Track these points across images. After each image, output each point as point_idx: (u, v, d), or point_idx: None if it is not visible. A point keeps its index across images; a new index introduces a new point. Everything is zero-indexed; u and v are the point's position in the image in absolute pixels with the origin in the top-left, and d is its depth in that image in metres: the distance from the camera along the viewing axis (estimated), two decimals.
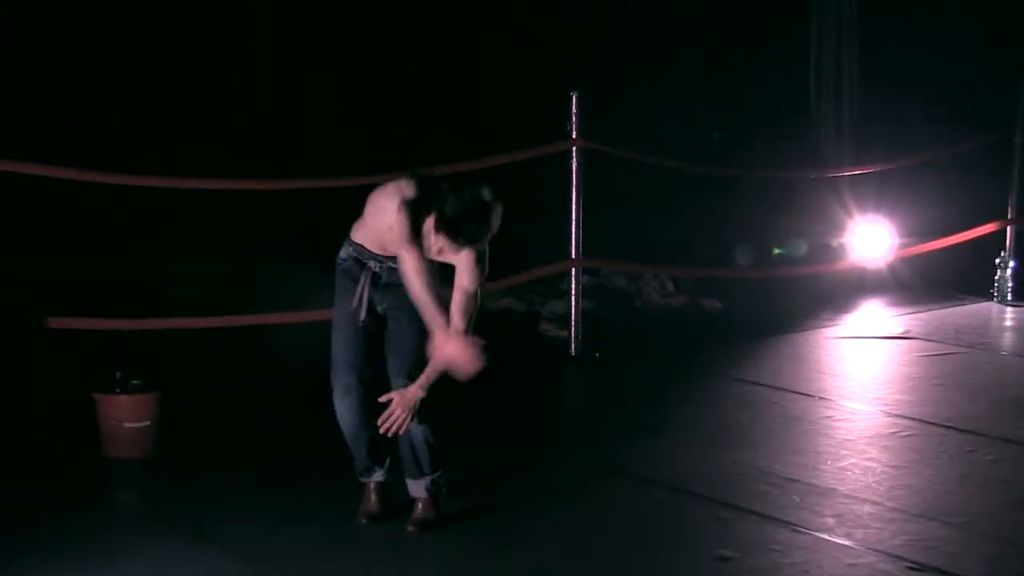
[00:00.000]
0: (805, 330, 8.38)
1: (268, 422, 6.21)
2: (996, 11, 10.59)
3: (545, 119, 7.71)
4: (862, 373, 7.43)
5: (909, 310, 8.99)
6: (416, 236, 4.49)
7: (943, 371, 7.31)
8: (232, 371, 6.73)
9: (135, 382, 5.75)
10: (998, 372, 7.34)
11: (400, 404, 4.54)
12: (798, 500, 5.12)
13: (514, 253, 8.11)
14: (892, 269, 9.66)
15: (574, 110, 7.46)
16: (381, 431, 4.57)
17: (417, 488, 4.81)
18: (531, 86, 9.03)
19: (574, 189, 7.49)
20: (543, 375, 7.35)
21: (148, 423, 5.68)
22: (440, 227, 4.44)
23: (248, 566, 4.48)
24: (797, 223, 10.04)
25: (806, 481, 5.33)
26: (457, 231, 4.42)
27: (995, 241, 9.38)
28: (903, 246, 9.68)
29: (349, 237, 4.77)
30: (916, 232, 9.81)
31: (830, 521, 4.91)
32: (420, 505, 4.81)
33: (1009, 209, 9.37)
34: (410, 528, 4.77)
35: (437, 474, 4.80)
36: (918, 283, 9.56)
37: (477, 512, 5.04)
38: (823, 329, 8.43)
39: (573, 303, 7.60)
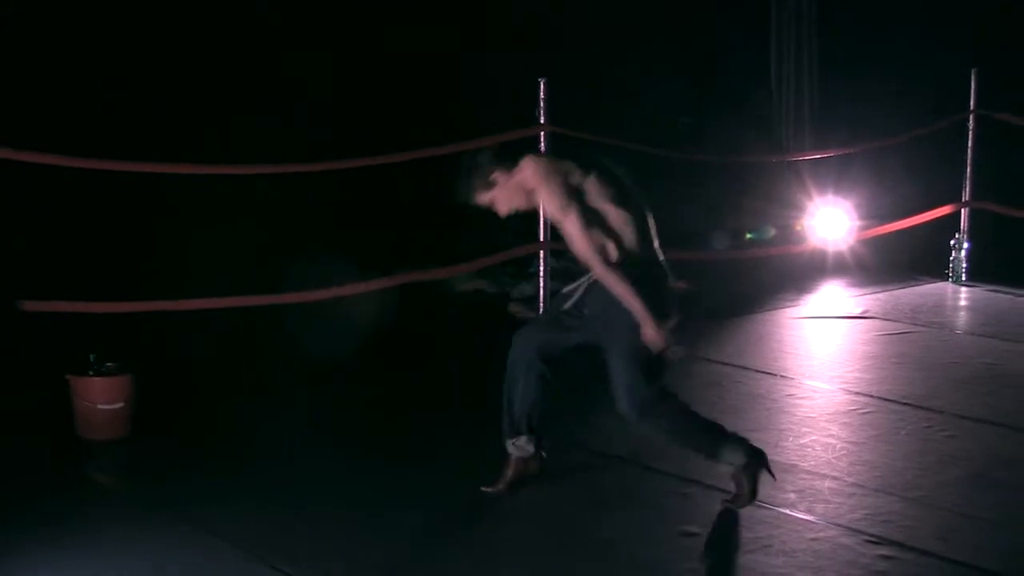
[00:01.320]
0: (768, 310, 8.47)
1: (250, 406, 6.25)
2: None
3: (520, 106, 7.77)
4: (823, 352, 7.52)
5: (868, 290, 9.10)
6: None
7: (900, 350, 7.42)
8: (217, 354, 6.76)
9: (108, 364, 5.77)
10: (953, 350, 7.44)
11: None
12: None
13: (485, 236, 8.25)
14: (852, 251, 9.77)
15: (542, 95, 7.51)
16: None
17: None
18: (503, 75, 9.04)
19: None
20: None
21: (122, 405, 5.70)
22: None
23: (236, 549, 4.52)
24: (760, 206, 10.14)
25: (769, 457, 5.36)
26: None
27: (951, 223, 9.49)
28: (862, 228, 9.79)
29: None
30: (875, 214, 9.92)
31: (792, 496, 4.99)
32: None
33: (964, 192, 9.47)
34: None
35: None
36: (876, 264, 9.66)
37: (442, 488, 5.10)
38: (785, 309, 8.52)
39: (541, 285, 7.66)
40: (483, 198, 4.79)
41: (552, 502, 5.00)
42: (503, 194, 4.77)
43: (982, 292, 9.10)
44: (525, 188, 4.75)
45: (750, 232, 10.20)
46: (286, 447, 5.66)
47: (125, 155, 6.54)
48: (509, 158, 4.78)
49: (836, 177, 9.99)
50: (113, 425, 5.69)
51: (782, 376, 6.83)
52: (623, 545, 4.58)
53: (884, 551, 4.49)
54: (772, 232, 10.12)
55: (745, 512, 4.81)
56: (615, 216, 4.68)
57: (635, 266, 4.66)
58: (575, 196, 4.63)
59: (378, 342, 7.27)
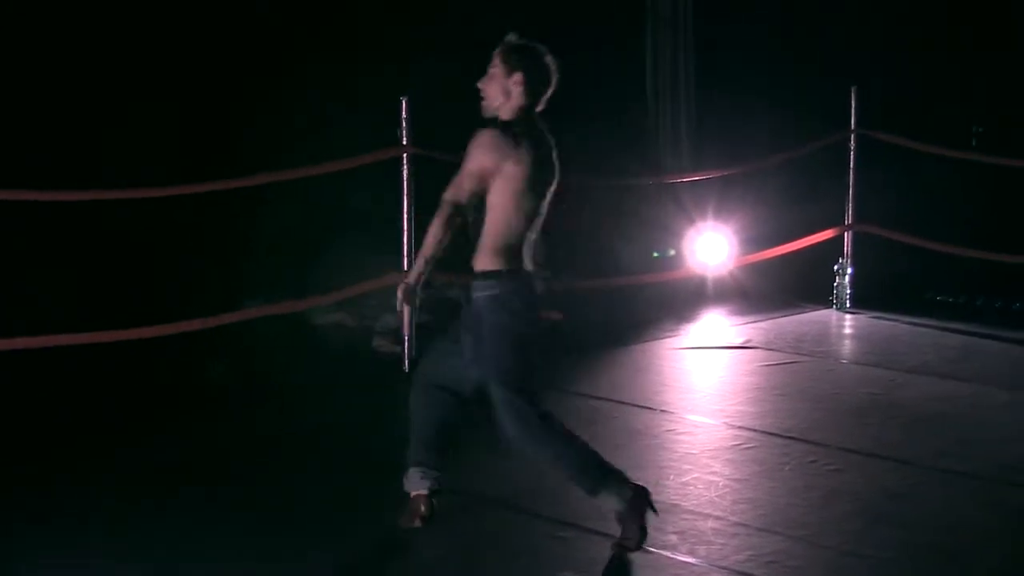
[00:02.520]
0: (646, 341, 8.45)
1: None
2: (830, 15, 10.86)
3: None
4: (704, 384, 7.52)
5: (750, 319, 9.14)
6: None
7: (784, 380, 7.44)
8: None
9: None
10: (837, 380, 7.50)
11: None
12: None
13: (345, 265, 8.10)
14: (732, 277, 9.81)
15: (404, 115, 7.39)
16: None
17: None
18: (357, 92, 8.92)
19: (405, 197, 7.43)
20: (376, 392, 7.25)
21: None
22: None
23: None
24: (635, 231, 10.13)
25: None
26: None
27: (834, 247, 9.59)
28: (743, 253, 9.84)
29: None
30: (756, 239, 9.98)
31: (673, 538, 4.93)
32: None
33: (847, 215, 9.58)
34: None
35: None
36: (758, 291, 9.72)
37: (314, 537, 4.95)
38: (664, 340, 8.51)
39: (405, 317, 7.51)
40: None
41: (418, 548, 4.88)
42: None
43: (867, 319, 9.20)
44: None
45: (656, 252, 10.20)
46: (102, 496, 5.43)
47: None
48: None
49: (716, 200, 10.02)
50: None
51: (661, 410, 6.79)
52: None
53: None
54: (672, 252, 10.12)
55: (622, 556, 4.71)
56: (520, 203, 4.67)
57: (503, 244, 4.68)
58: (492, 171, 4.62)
59: (229, 378, 7.10)
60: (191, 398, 6.86)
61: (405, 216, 7.42)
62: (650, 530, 4.76)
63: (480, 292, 4.71)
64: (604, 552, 4.77)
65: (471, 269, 4.77)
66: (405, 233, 7.42)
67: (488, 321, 4.68)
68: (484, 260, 4.72)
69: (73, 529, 5.06)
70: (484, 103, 4.77)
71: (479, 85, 4.76)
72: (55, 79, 7.74)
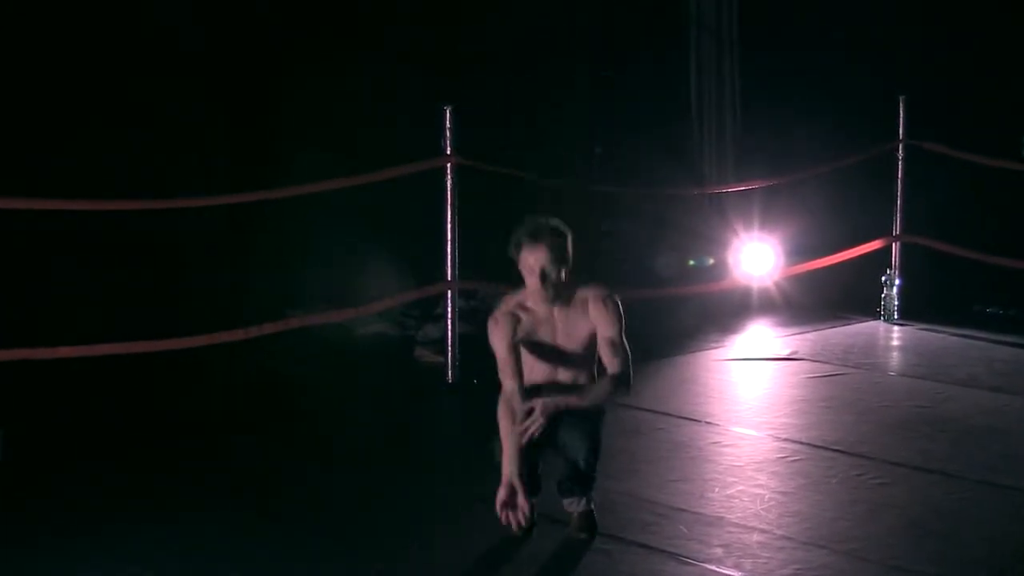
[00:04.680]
0: (691, 352, 8.51)
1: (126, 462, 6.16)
2: (877, 23, 10.88)
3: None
4: (749, 396, 7.57)
5: (796, 330, 9.18)
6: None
7: (830, 393, 7.49)
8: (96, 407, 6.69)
9: None
10: (884, 393, 7.52)
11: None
12: (685, 530, 5.20)
13: (387, 275, 8.21)
14: (778, 288, 9.87)
15: (448, 125, 7.50)
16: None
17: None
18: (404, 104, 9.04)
19: (448, 207, 7.52)
20: (418, 404, 7.36)
21: None
22: None
23: None
24: (679, 241, 10.21)
25: (693, 510, 5.43)
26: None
27: (882, 258, 9.62)
28: (789, 264, 9.89)
29: None
30: (802, 249, 10.01)
31: (718, 551, 4.99)
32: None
33: (894, 225, 9.62)
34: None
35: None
36: (804, 302, 9.77)
37: (351, 545, 5.05)
38: (709, 351, 8.57)
39: (449, 328, 7.63)
40: None
41: (459, 561, 4.94)
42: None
43: (915, 331, 9.22)
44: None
45: (691, 260, 10.28)
46: (167, 506, 5.56)
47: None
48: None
49: (761, 210, 10.08)
50: None
51: (706, 422, 6.86)
52: None
53: None
54: (711, 261, 10.19)
55: (668, 569, 4.81)
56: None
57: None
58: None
59: (269, 390, 7.22)
60: (230, 409, 6.97)
61: (448, 226, 7.52)
62: (694, 544, 4.84)
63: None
64: (648, 565, 4.85)
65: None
66: (448, 243, 7.52)
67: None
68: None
69: (106, 538, 5.19)
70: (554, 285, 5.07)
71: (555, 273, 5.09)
72: (82, 85, 7.86)
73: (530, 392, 5.05)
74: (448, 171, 7.49)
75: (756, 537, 5.15)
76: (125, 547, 5.05)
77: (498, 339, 5.09)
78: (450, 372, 7.63)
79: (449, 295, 7.62)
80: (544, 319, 5.12)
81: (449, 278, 7.58)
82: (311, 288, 8.56)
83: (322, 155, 8.27)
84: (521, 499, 4.90)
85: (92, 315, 7.31)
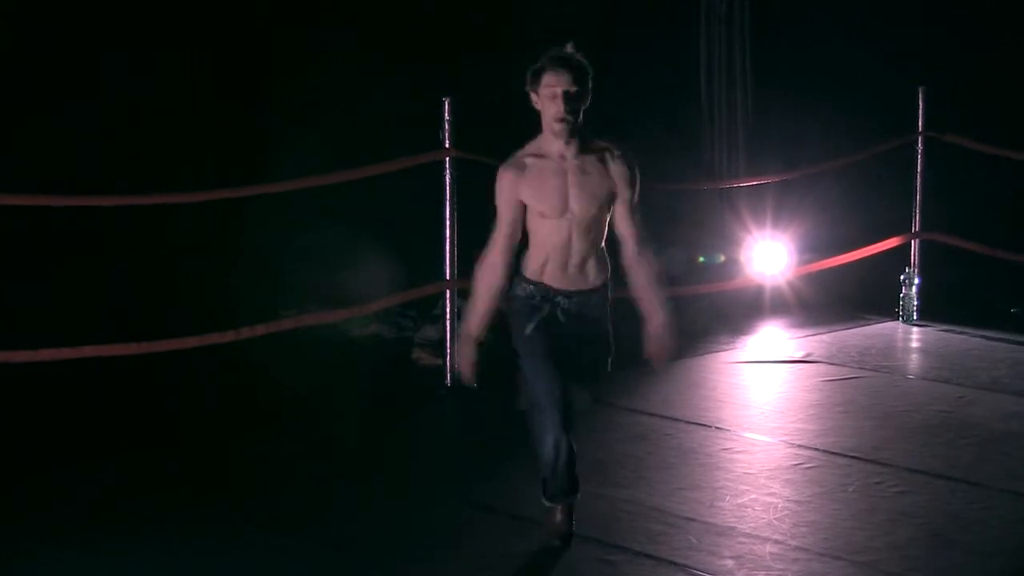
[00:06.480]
0: (701, 354, 8.47)
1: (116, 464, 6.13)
2: (895, 14, 10.84)
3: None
4: (762, 400, 7.54)
5: (810, 331, 9.14)
6: None
7: (847, 397, 7.45)
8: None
9: None
10: (904, 397, 7.49)
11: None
12: (695, 541, 5.17)
13: (382, 274, 8.18)
14: (792, 287, 9.82)
15: (447, 117, 7.45)
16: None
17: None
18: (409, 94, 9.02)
19: (448, 203, 7.48)
20: (415, 407, 7.32)
21: None
22: None
23: None
24: (690, 237, 10.15)
25: (703, 520, 5.40)
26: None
27: (900, 256, 9.58)
28: (803, 262, 9.85)
29: (522, 274, 4.97)
30: (817, 247, 9.98)
31: (729, 563, 4.96)
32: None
33: (913, 222, 9.57)
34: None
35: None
36: (819, 302, 9.72)
37: (347, 548, 5.05)
38: (720, 353, 8.53)
39: (448, 328, 7.58)
40: None
41: (456, 570, 4.93)
42: None
43: (935, 332, 9.18)
44: None
45: (701, 257, 10.23)
46: (160, 510, 5.53)
47: None
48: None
49: (774, 206, 10.03)
50: None
51: (717, 428, 6.82)
52: None
53: None
54: (722, 258, 10.14)
55: None
56: None
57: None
58: None
59: (264, 393, 7.18)
60: (224, 411, 6.95)
61: (447, 222, 7.47)
62: (704, 555, 4.80)
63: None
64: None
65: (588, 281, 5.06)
66: (447, 240, 7.48)
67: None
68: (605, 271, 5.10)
69: (104, 543, 5.15)
70: (574, 119, 4.90)
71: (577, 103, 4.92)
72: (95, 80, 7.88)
73: (537, 262, 4.94)
74: (447, 165, 7.46)
75: (769, 548, 5.12)
76: (121, 552, 5.04)
77: (500, 192, 4.93)
78: (449, 374, 7.57)
79: (448, 294, 7.57)
80: (556, 169, 4.90)
81: (448, 277, 7.53)
82: (305, 288, 8.52)
83: (316, 149, 8.24)
84: (469, 355, 4.95)
85: (80, 316, 7.30)
